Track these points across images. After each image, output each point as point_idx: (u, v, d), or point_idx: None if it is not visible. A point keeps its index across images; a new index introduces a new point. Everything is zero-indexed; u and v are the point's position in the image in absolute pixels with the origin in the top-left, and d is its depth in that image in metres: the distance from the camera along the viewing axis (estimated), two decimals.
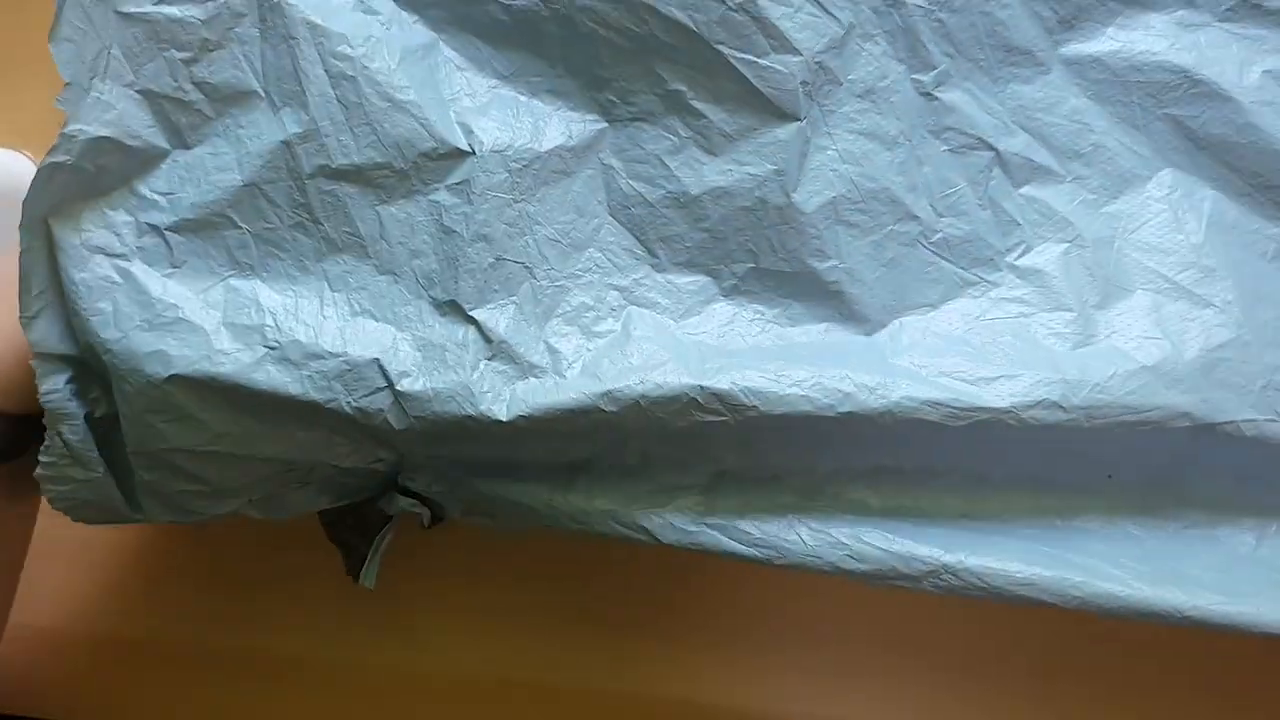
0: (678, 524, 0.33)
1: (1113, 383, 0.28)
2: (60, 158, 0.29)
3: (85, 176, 0.30)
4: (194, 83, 0.30)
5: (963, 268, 0.31)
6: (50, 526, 0.35)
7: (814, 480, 0.33)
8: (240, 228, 0.31)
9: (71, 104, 0.29)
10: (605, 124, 0.33)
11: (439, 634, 0.42)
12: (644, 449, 0.33)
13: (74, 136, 0.29)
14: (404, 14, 0.32)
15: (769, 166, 0.31)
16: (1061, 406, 0.28)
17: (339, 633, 0.43)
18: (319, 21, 0.30)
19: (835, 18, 0.31)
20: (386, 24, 0.31)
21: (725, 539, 0.32)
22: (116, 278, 0.30)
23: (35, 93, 0.41)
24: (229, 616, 0.43)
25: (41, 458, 0.31)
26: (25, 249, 0.29)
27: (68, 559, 0.44)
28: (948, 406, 0.29)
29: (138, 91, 0.30)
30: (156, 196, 0.30)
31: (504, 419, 0.31)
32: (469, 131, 0.31)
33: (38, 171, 0.29)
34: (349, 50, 0.30)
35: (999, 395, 0.29)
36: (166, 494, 0.32)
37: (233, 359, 0.30)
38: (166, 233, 0.30)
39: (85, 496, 0.32)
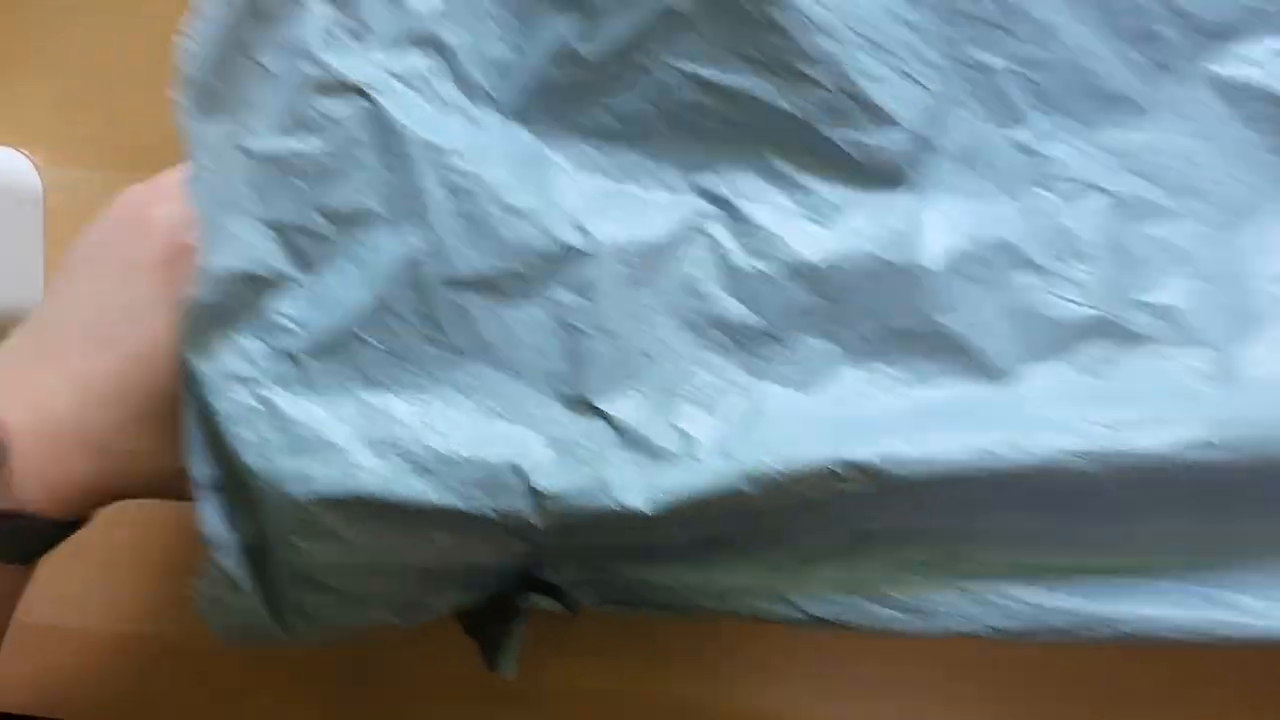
0: (822, 594, 0.32)
1: (1267, 416, 0.28)
2: (198, 293, 0.30)
3: (219, 309, 0.30)
4: (317, 209, 0.31)
5: (1091, 308, 0.31)
6: None
7: (958, 538, 0.32)
8: (369, 344, 0.31)
9: (208, 240, 0.30)
10: (714, 208, 0.33)
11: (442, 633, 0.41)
12: (780, 519, 0.33)
13: (209, 271, 0.30)
14: (512, 126, 0.33)
15: (884, 232, 0.31)
16: (1215, 445, 0.28)
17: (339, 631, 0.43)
18: (432, 139, 0.31)
19: (926, 88, 0.32)
20: (493, 135, 0.32)
21: (874, 606, 0.32)
22: (255, 404, 0.30)
23: (35, 93, 0.43)
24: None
25: (200, 586, 0.31)
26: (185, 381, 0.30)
27: (67, 558, 0.42)
28: (1095, 454, 0.29)
29: (265, 223, 0.31)
30: (287, 322, 0.31)
31: (642, 509, 0.31)
32: (583, 231, 0.32)
33: (181, 314, 0.29)
34: (462, 164, 0.31)
35: (1150, 439, 0.28)
36: (313, 611, 0.32)
37: (373, 474, 0.30)
38: (299, 355, 0.31)
39: (240, 621, 0.32)
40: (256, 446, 0.30)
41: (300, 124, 0.31)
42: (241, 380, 0.31)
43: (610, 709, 0.43)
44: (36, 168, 0.44)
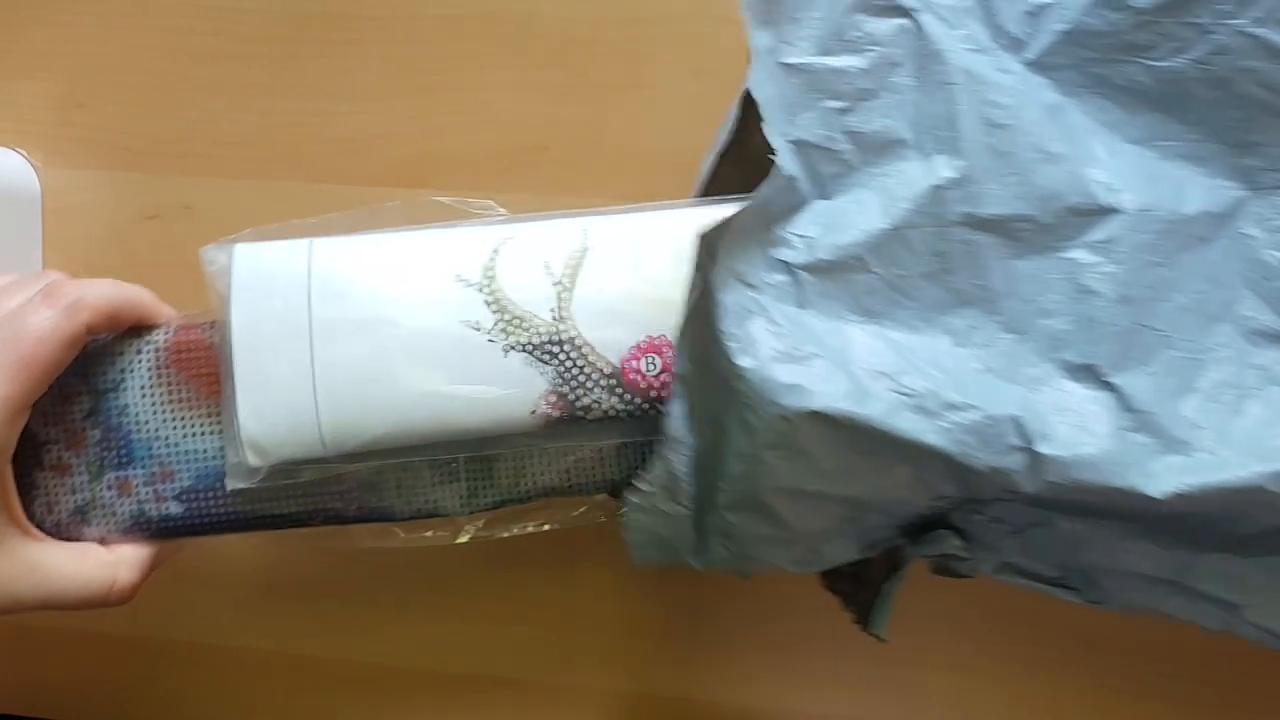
0: None
1: None
2: (764, 191, 0.29)
3: (762, 213, 0.30)
4: (844, 132, 0.30)
5: None
6: None
7: None
8: (873, 273, 0.30)
9: (776, 144, 0.29)
10: (1247, 191, 0.30)
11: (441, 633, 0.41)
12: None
13: (778, 172, 0.29)
14: (1034, 77, 0.31)
15: None
16: None
17: (338, 630, 0.42)
18: (973, 68, 0.30)
19: None
20: (1021, 85, 0.31)
21: None
22: (754, 308, 0.30)
23: (34, 93, 0.42)
24: (229, 615, 0.42)
25: (639, 484, 0.31)
26: (694, 272, 0.29)
27: None
28: None
29: (790, 141, 0.30)
30: (793, 237, 0.30)
31: (1154, 495, 0.28)
32: (1112, 190, 0.30)
33: (745, 207, 0.29)
34: (1003, 98, 0.30)
35: None
36: (740, 538, 0.31)
37: (876, 400, 0.29)
38: (799, 271, 0.30)
39: (661, 532, 0.31)
40: (753, 350, 0.29)
41: (841, 43, 0.30)
42: (745, 282, 0.30)
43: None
44: (35, 168, 0.43)
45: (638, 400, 0.32)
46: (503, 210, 0.36)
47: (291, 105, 0.42)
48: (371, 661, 0.42)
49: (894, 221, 0.30)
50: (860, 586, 0.35)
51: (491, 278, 0.32)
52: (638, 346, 0.32)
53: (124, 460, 0.35)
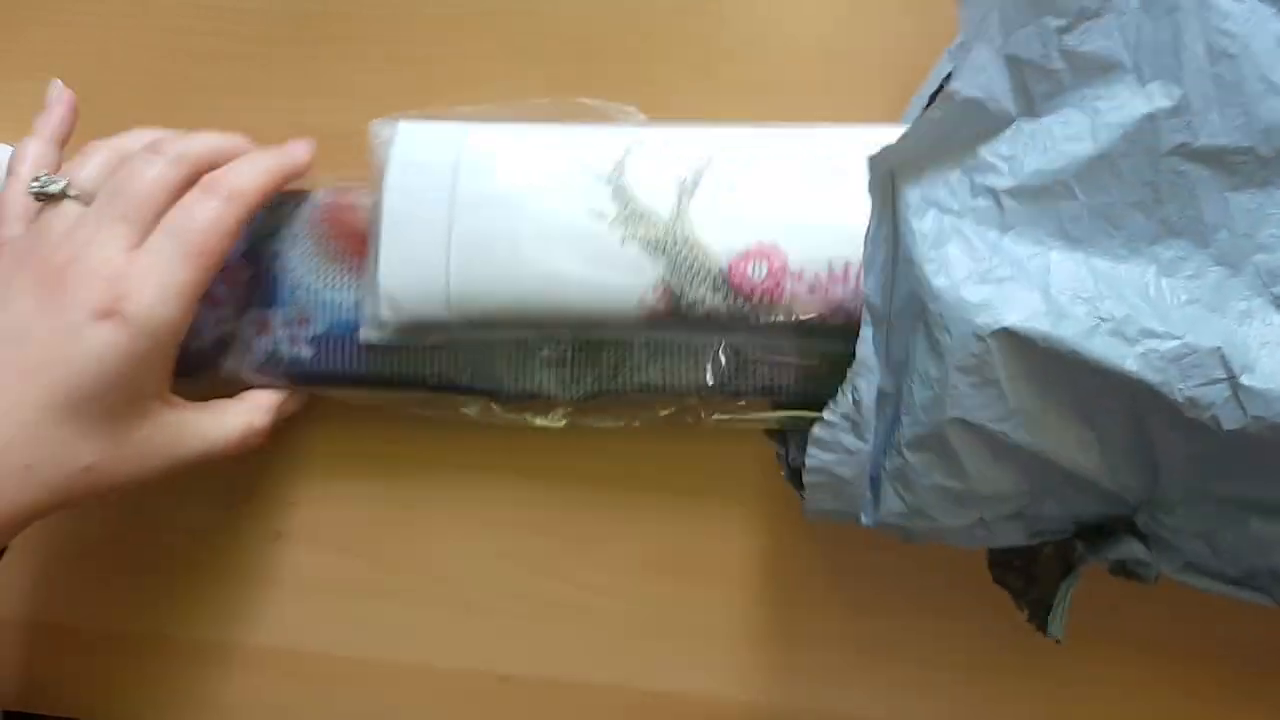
0: None
1: None
2: (935, 114, 0.30)
3: (942, 134, 0.30)
4: (1061, 51, 0.30)
5: None
6: (48, 523, 0.34)
7: None
8: (1078, 199, 0.30)
9: (957, 63, 0.30)
10: None
11: (439, 630, 0.41)
12: None
13: (952, 96, 0.30)
14: (1264, 6, 0.30)
15: None
16: None
17: (339, 630, 0.42)
18: None
19: None
20: (1251, 13, 0.30)
21: None
22: (950, 231, 0.30)
23: (34, 93, 0.40)
24: (230, 614, 0.42)
25: (826, 415, 0.31)
26: (872, 198, 0.30)
27: (68, 558, 0.44)
28: None
29: (1004, 56, 0.30)
30: (996, 160, 0.30)
31: None
32: None
33: (913, 126, 0.29)
34: (1233, 28, 0.29)
35: None
36: (917, 486, 0.31)
37: (1072, 322, 0.29)
38: (1001, 195, 0.30)
39: (840, 473, 0.32)
40: (947, 270, 0.29)
41: None
42: (943, 209, 0.30)
43: None
44: None
45: (741, 302, 0.34)
46: (643, 115, 0.38)
47: (291, 105, 0.43)
48: (368, 656, 0.42)
49: (1104, 148, 0.30)
50: (1030, 583, 0.35)
51: (620, 173, 0.35)
52: (747, 251, 0.34)
53: (268, 300, 0.38)
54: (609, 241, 0.34)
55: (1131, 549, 0.33)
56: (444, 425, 0.39)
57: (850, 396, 0.31)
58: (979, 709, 0.39)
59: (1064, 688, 0.39)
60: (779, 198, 0.34)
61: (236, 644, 0.42)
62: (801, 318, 0.34)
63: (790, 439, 0.37)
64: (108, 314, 0.32)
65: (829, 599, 0.40)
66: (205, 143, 0.36)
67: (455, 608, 0.41)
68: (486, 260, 0.35)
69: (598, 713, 0.41)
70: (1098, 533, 0.33)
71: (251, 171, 0.35)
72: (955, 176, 0.31)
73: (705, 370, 0.37)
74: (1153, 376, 0.28)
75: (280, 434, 0.40)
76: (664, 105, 0.38)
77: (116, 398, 0.32)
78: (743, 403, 0.37)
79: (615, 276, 0.34)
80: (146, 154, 0.34)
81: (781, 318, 0.34)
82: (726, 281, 0.34)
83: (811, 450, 0.32)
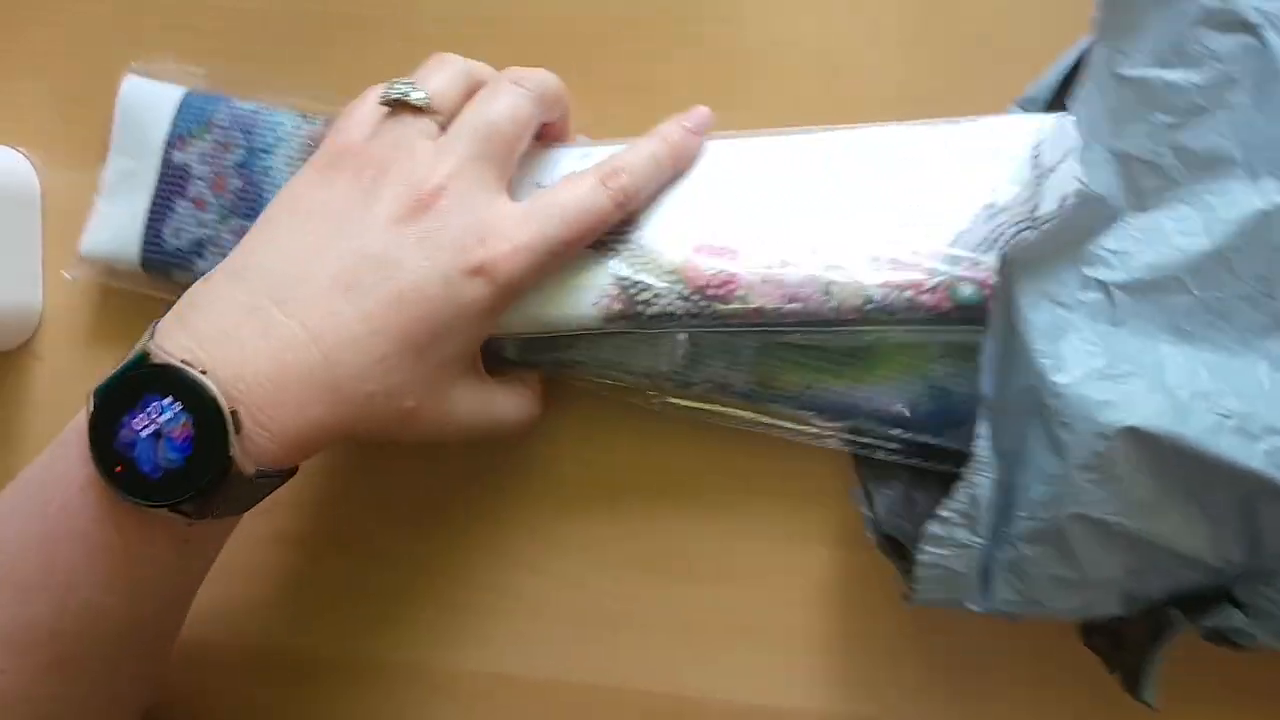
0: None
1: None
2: (1057, 217, 0.29)
3: (1055, 230, 0.30)
4: (1171, 147, 0.30)
5: None
6: None
7: None
8: (1190, 294, 0.30)
9: (1082, 161, 0.29)
10: None
11: (440, 630, 0.41)
12: None
13: (1082, 194, 0.29)
14: None
15: None
16: None
17: (337, 630, 0.42)
18: None
19: None
20: None
21: None
22: (1064, 325, 0.30)
23: (34, 92, 0.41)
24: (227, 613, 0.42)
25: (940, 512, 0.31)
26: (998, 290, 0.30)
27: None
28: None
29: (1114, 153, 0.30)
30: (1107, 254, 0.30)
31: None
32: None
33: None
34: None
35: None
36: (1030, 576, 0.31)
37: (1194, 421, 0.29)
38: (1113, 289, 0.30)
39: (955, 566, 0.31)
40: (1068, 367, 0.29)
41: (1180, 56, 0.30)
42: (1056, 302, 0.30)
43: None
44: (35, 167, 0.43)
45: (696, 298, 0.34)
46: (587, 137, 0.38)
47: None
48: (365, 656, 0.42)
49: (1218, 243, 0.30)
50: (1118, 646, 0.35)
51: None
52: (700, 246, 0.34)
53: (252, 212, 0.38)
54: None
55: (1230, 617, 0.33)
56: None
57: (967, 494, 0.31)
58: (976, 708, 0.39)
59: None
60: (729, 195, 0.35)
61: (233, 644, 0.42)
62: (757, 309, 0.34)
63: (875, 499, 0.37)
64: (480, 271, 0.31)
65: (829, 599, 0.40)
66: (555, 81, 0.35)
67: (453, 607, 0.41)
68: None
69: (598, 713, 0.41)
70: (1194, 601, 0.34)
71: (651, 173, 0.34)
72: (1066, 271, 0.30)
73: (661, 356, 0.37)
74: (1277, 472, 0.29)
75: None
76: (664, 108, 0.37)
77: (456, 351, 0.33)
78: (697, 391, 0.38)
79: (568, 279, 0.35)
80: (509, 85, 0.34)
81: (738, 310, 0.34)
82: (681, 279, 0.34)
83: (927, 547, 0.31)
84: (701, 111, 0.36)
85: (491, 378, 0.36)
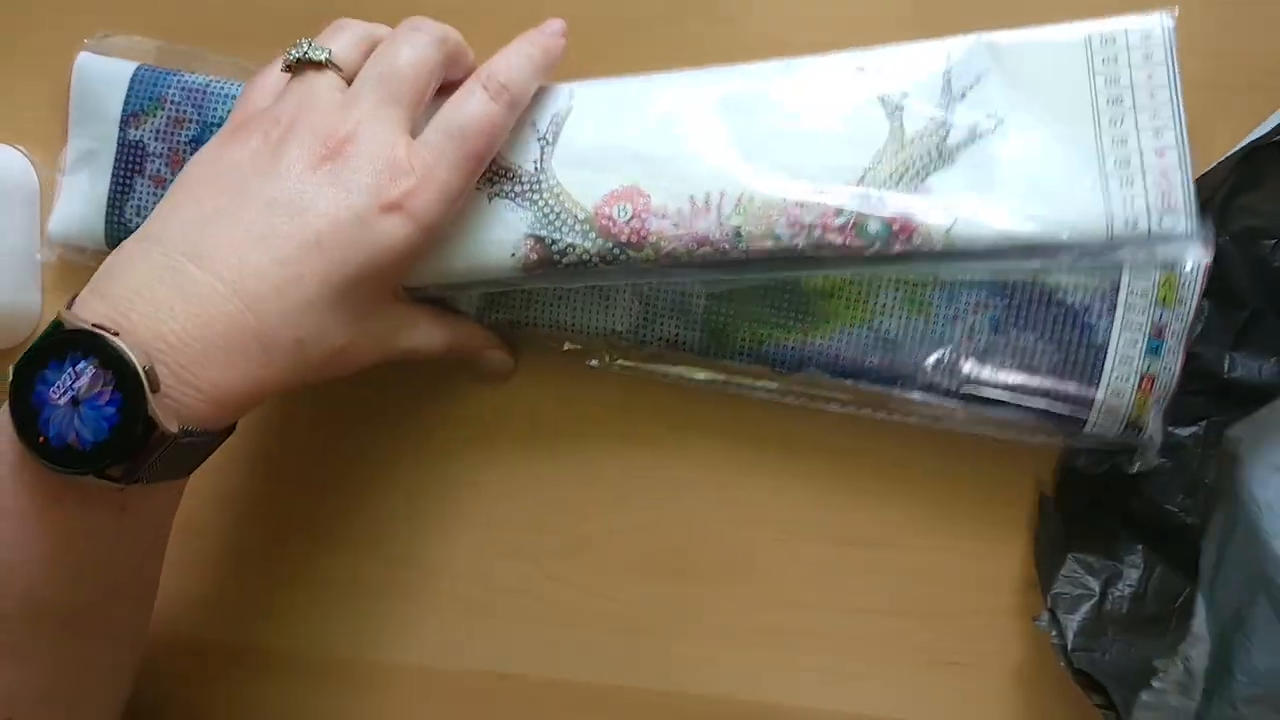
0: None
1: None
2: None
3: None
4: None
5: None
6: None
7: None
8: None
9: None
10: None
11: (440, 630, 0.41)
12: None
13: None
14: None
15: None
16: None
17: (339, 631, 0.41)
18: None
19: None
20: None
21: None
22: None
23: (33, 91, 0.41)
24: (227, 611, 0.42)
25: (1155, 683, 0.32)
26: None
27: None
28: None
29: None
30: None
31: None
32: None
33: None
34: None
35: None
36: None
37: None
38: None
39: None
40: None
41: None
42: None
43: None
44: (34, 165, 0.42)
45: (609, 244, 0.34)
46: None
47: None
48: (368, 656, 0.42)
49: None
50: None
51: None
52: (611, 194, 0.35)
53: None
54: (475, 200, 0.35)
55: None
56: (446, 426, 0.41)
57: (1182, 666, 0.32)
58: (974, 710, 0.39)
59: None
60: (637, 140, 0.35)
61: (233, 644, 0.42)
62: (669, 253, 0.34)
63: (1065, 629, 0.36)
64: (395, 207, 0.31)
65: (829, 600, 0.40)
66: (455, 33, 0.35)
67: (455, 607, 0.42)
68: None
69: (598, 713, 0.41)
70: None
71: (526, 70, 0.35)
72: None
73: (614, 316, 0.38)
74: None
75: (281, 436, 0.41)
76: None
77: (379, 287, 0.33)
78: (652, 349, 0.38)
79: (486, 233, 0.35)
80: (409, 33, 0.34)
81: (650, 255, 0.34)
82: (594, 226, 0.35)
83: (1139, 715, 0.32)
84: (556, 22, 0.37)
85: (418, 303, 0.37)
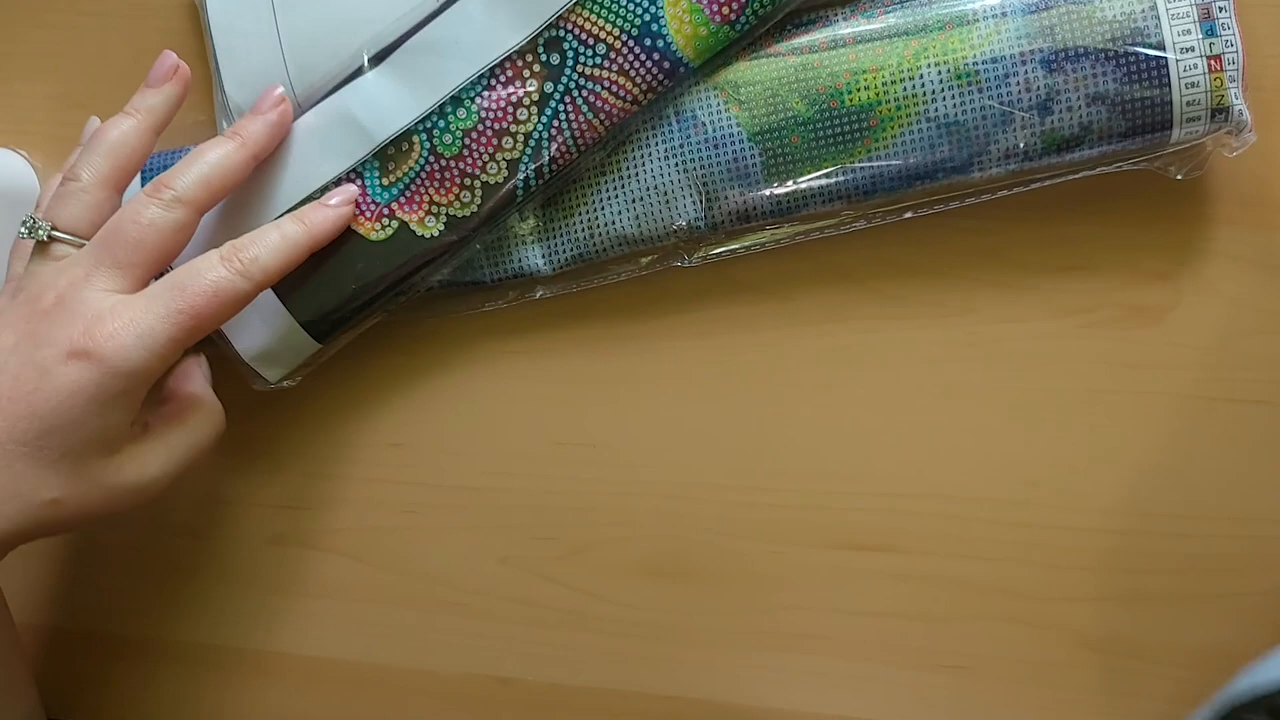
0: None
1: None
2: None
3: None
4: None
5: None
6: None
7: None
8: None
9: None
10: None
11: (440, 636, 0.41)
12: None
13: None
14: None
15: None
16: None
17: (339, 637, 0.42)
18: None
19: None
20: None
21: None
22: None
23: (33, 93, 0.41)
24: (228, 618, 0.42)
25: None
26: None
27: (66, 561, 0.43)
28: None
29: None
30: None
31: None
32: None
33: None
34: None
35: None
36: None
37: None
38: None
39: None
40: None
41: None
42: None
43: None
44: (34, 168, 0.43)
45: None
46: None
47: None
48: (368, 660, 0.42)
49: None
50: None
51: None
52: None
53: None
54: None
55: None
56: (442, 434, 0.41)
57: None
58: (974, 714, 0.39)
59: None
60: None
61: (234, 649, 0.42)
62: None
63: None
64: (80, 354, 0.32)
65: (829, 601, 0.39)
66: (202, 176, 0.35)
67: (455, 612, 0.41)
68: (318, 44, 0.38)
69: (598, 716, 0.40)
70: None
71: (280, 252, 0.35)
72: None
73: (676, 211, 0.37)
74: None
75: (281, 438, 0.41)
76: None
77: (82, 435, 0.32)
78: (725, 230, 0.38)
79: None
80: (145, 197, 0.34)
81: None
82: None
83: None
84: (349, 188, 0.37)
85: (153, 431, 0.36)
